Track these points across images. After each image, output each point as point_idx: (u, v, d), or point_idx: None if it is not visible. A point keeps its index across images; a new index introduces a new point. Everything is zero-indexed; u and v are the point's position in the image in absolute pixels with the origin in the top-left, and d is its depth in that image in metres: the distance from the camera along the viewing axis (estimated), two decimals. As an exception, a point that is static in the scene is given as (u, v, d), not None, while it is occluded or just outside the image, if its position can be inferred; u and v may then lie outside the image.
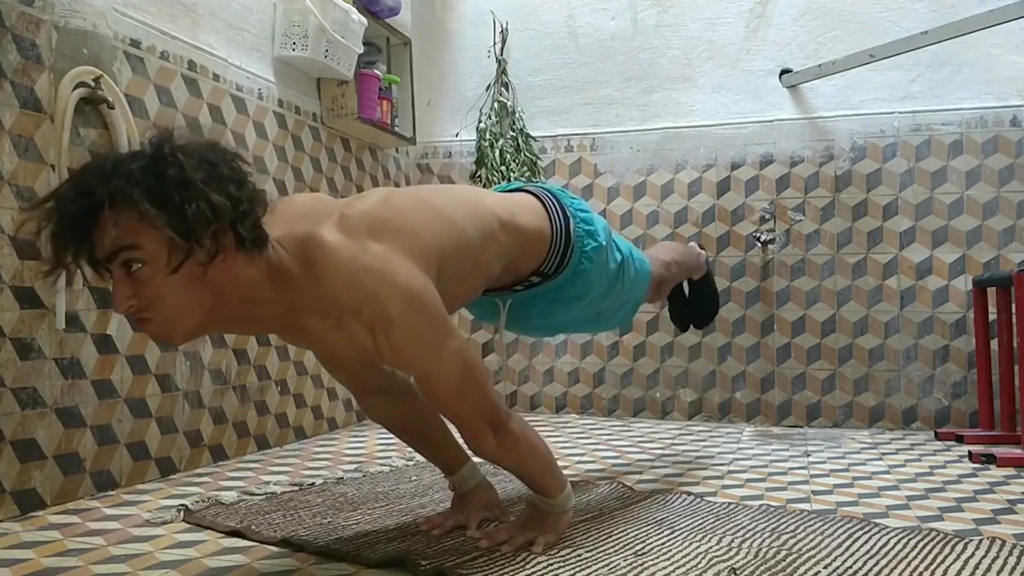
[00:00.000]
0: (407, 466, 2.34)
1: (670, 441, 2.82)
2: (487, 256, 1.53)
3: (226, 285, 1.20)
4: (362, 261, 1.24)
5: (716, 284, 2.56)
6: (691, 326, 2.55)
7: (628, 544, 1.53)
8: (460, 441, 1.74)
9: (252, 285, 1.22)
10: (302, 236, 1.26)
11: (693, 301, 2.51)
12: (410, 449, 2.61)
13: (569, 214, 1.70)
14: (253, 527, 1.66)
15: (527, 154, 3.45)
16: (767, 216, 3.29)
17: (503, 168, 3.38)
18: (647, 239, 3.42)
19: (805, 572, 1.36)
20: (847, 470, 2.31)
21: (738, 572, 1.35)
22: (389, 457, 2.48)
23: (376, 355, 1.31)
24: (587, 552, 1.47)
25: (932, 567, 1.39)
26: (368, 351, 1.29)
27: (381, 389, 1.67)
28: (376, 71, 3.13)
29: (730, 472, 2.28)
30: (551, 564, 1.41)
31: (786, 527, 1.64)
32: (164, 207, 1.10)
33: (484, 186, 3.31)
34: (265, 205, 1.22)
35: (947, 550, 1.48)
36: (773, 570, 1.37)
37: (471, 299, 1.64)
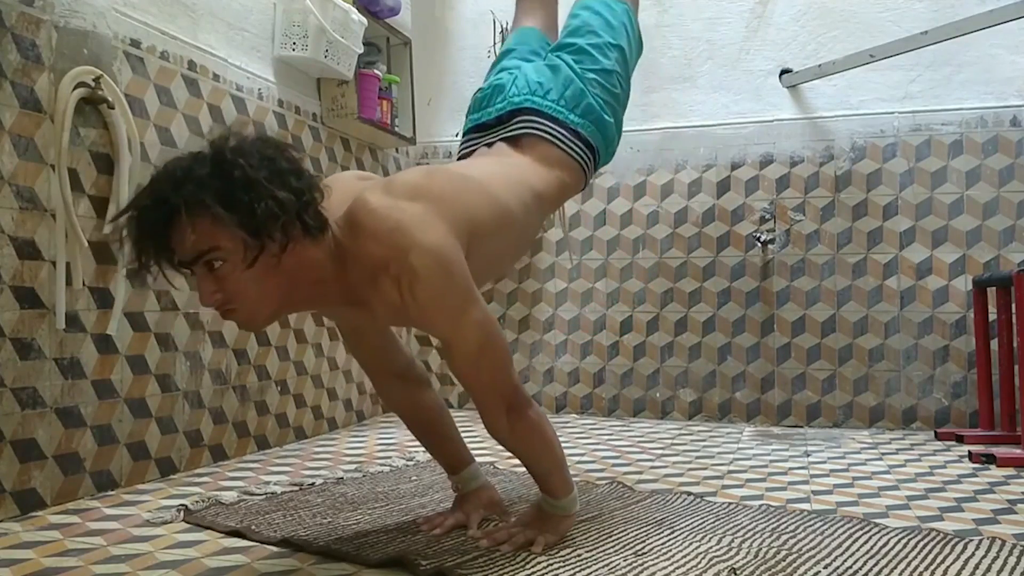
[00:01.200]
0: (407, 466, 2.34)
1: (670, 441, 2.82)
2: (528, 223, 1.62)
3: (298, 270, 1.29)
4: (396, 217, 1.30)
5: None
6: None
7: (628, 544, 1.53)
8: (468, 443, 1.75)
9: (320, 267, 1.31)
10: (349, 207, 1.34)
11: None
12: (410, 449, 2.61)
13: (575, 126, 1.73)
14: (253, 527, 1.66)
15: (527, 154, 3.45)
16: (767, 216, 3.29)
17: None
18: (647, 239, 3.42)
19: (805, 572, 1.36)
20: (847, 470, 2.31)
21: (738, 572, 1.35)
22: (389, 457, 2.48)
23: (404, 313, 1.35)
24: (587, 552, 1.47)
25: (932, 567, 1.39)
26: (398, 309, 1.34)
27: (399, 375, 1.69)
28: (376, 71, 3.13)
29: (730, 472, 2.28)
30: (551, 564, 1.41)
31: (786, 527, 1.64)
32: (235, 209, 1.18)
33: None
34: (322, 191, 1.29)
35: (947, 550, 1.48)
36: (773, 570, 1.37)
37: (510, 265, 1.72)
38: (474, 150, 1.79)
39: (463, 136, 1.86)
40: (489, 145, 1.76)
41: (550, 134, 1.73)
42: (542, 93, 1.77)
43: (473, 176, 1.51)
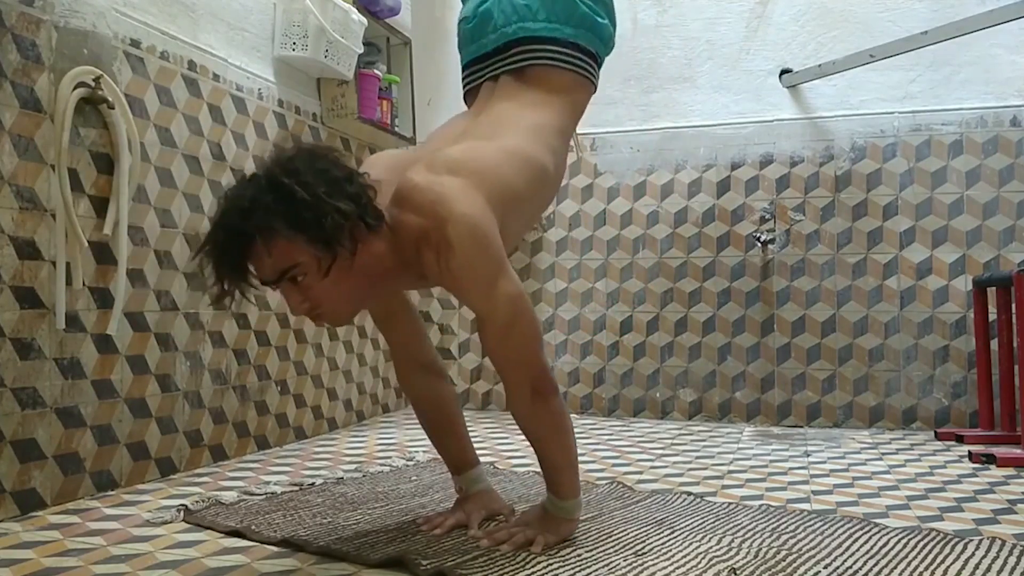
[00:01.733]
0: (407, 466, 2.34)
1: (670, 441, 2.82)
2: (560, 165, 1.67)
3: (370, 264, 1.39)
4: (436, 190, 1.39)
5: None
6: None
7: (628, 544, 1.53)
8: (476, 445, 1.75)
9: (384, 256, 1.41)
10: (396, 189, 1.44)
11: None
12: (410, 449, 2.61)
13: (574, 41, 1.72)
14: (253, 527, 1.66)
15: (527, 154, 3.45)
16: (767, 216, 3.29)
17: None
18: (647, 239, 3.42)
19: (805, 572, 1.36)
20: (847, 470, 2.31)
21: (738, 572, 1.35)
22: (389, 457, 2.48)
23: (442, 281, 1.45)
24: (587, 552, 1.47)
25: (932, 567, 1.39)
26: (437, 278, 1.44)
27: (424, 366, 1.72)
28: (376, 71, 3.13)
29: (730, 472, 2.28)
30: (551, 564, 1.41)
31: (786, 527, 1.64)
32: (304, 227, 1.29)
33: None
34: (375, 188, 1.38)
35: (947, 550, 1.48)
36: (773, 570, 1.37)
37: (548, 205, 1.82)
38: (478, 85, 1.77)
39: (462, 70, 1.83)
40: (494, 79, 1.73)
41: (551, 59, 1.71)
42: (531, 16, 1.73)
43: (509, 146, 1.54)
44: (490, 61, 1.76)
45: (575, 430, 1.57)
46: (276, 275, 1.33)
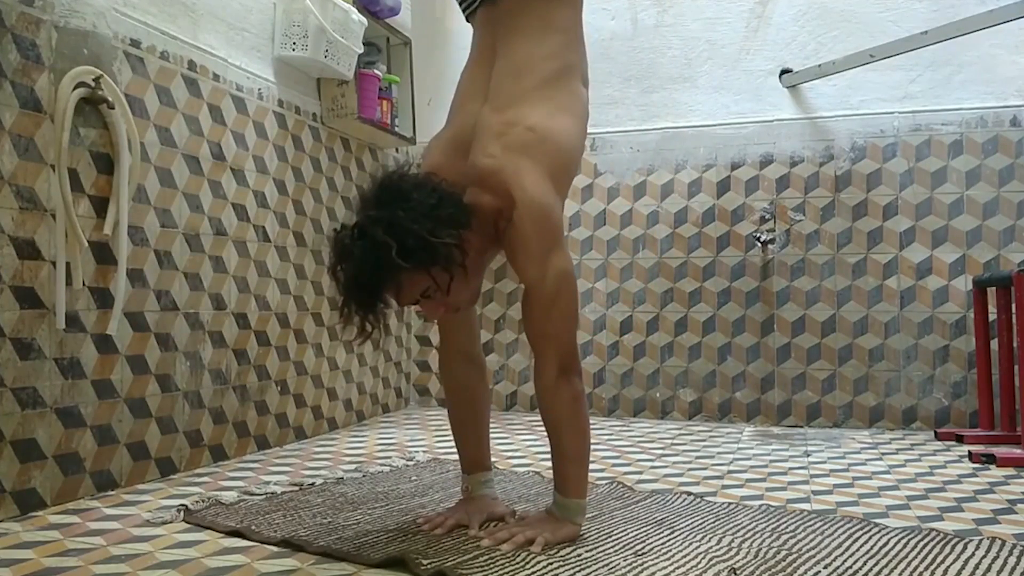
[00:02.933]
0: (407, 466, 2.34)
1: (670, 441, 2.82)
2: (587, 76, 1.78)
3: (476, 260, 1.54)
4: (510, 170, 1.54)
5: None
6: None
7: (628, 544, 1.53)
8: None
9: (482, 247, 1.58)
10: (472, 169, 1.59)
11: None
12: (410, 449, 2.61)
13: None
14: (253, 527, 1.66)
15: (527, 154, 3.45)
16: (767, 216, 3.29)
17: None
18: (647, 239, 3.42)
19: (805, 572, 1.36)
20: (847, 470, 2.31)
21: (738, 572, 1.35)
22: (389, 457, 2.48)
23: (506, 249, 1.59)
24: (587, 552, 1.47)
25: (932, 567, 1.39)
26: (505, 246, 1.59)
27: (467, 357, 1.77)
28: (376, 71, 3.13)
29: (730, 472, 2.28)
30: (551, 564, 1.41)
31: (786, 527, 1.64)
32: (423, 263, 1.45)
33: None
34: (457, 191, 1.54)
35: (947, 550, 1.48)
36: (773, 570, 1.37)
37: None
38: (476, 8, 1.77)
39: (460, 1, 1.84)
40: (493, 3, 1.73)
41: None
42: None
43: (560, 104, 1.64)
44: None
45: (590, 427, 1.59)
46: (412, 301, 1.53)
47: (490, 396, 1.87)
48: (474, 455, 1.76)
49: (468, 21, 1.84)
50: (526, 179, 1.53)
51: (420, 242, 1.44)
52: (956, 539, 1.55)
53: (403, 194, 1.48)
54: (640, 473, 2.27)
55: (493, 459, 2.40)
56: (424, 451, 2.56)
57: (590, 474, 2.22)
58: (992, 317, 2.83)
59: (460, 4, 1.84)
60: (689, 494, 1.96)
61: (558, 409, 1.55)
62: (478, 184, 1.58)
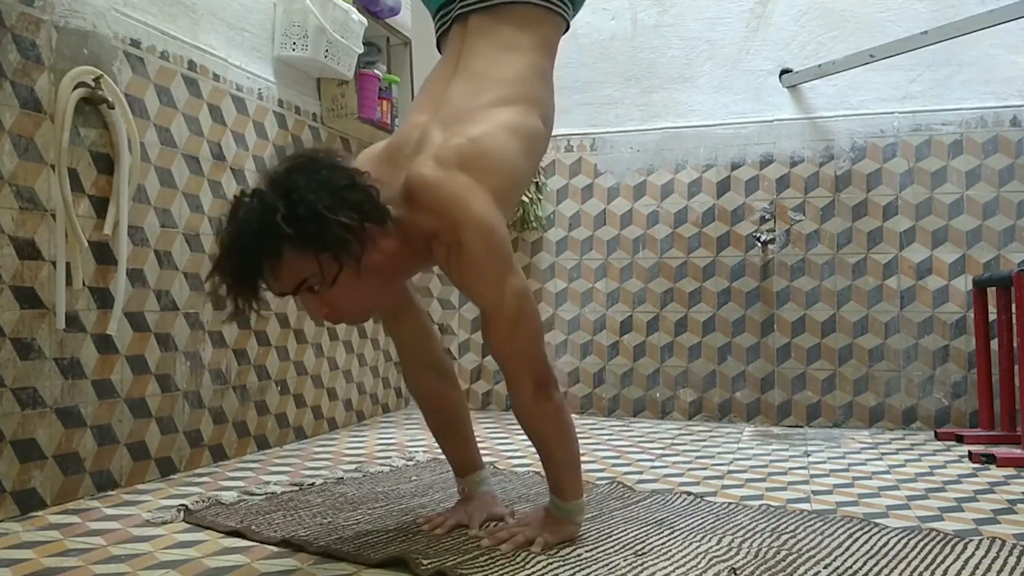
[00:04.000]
0: (407, 466, 2.34)
1: (670, 441, 2.82)
2: (548, 116, 1.68)
3: (382, 263, 1.41)
4: (448, 187, 1.42)
5: None
6: None
7: (628, 544, 1.53)
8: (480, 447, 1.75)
9: (395, 253, 1.44)
10: (403, 181, 1.46)
11: None
12: (410, 449, 2.61)
13: None
14: (253, 527, 1.66)
15: (527, 154, 3.45)
16: (767, 216, 3.29)
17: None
18: (647, 239, 3.42)
19: (805, 572, 1.36)
20: (847, 470, 2.31)
21: (738, 572, 1.35)
22: (389, 457, 2.48)
23: (451, 277, 1.49)
24: (587, 552, 1.47)
25: (932, 567, 1.39)
26: (446, 271, 1.49)
27: (431, 366, 1.72)
28: (376, 71, 3.13)
29: (730, 472, 2.28)
30: (551, 564, 1.41)
31: (786, 527, 1.64)
32: (310, 244, 1.32)
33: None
34: (377, 187, 1.40)
35: (947, 550, 1.48)
36: (773, 570, 1.37)
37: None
38: (449, 28, 1.72)
39: (434, 18, 1.79)
40: (465, 17, 1.68)
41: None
42: None
43: (506, 122, 1.54)
44: (458, 1, 1.72)
45: (575, 430, 1.57)
46: (290, 288, 1.38)
47: (463, 397, 1.81)
48: (462, 458, 1.75)
49: (439, 47, 1.79)
50: (472, 198, 1.42)
51: (312, 214, 1.31)
52: (956, 539, 1.55)
53: (313, 166, 1.37)
54: (640, 473, 2.27)
55: (493, 459, 2.41)
56: (424, 451, 2.56)
57: (590, 474, 2.23)
58: (992, 317, 2.83)
59: (436, 27, 1.79)
60: (689, 494, 1.96)
61: (542, 425, 1.52)
62: (407, 197, 1.45)
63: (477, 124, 1.52)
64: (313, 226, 1.31)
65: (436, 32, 1.79)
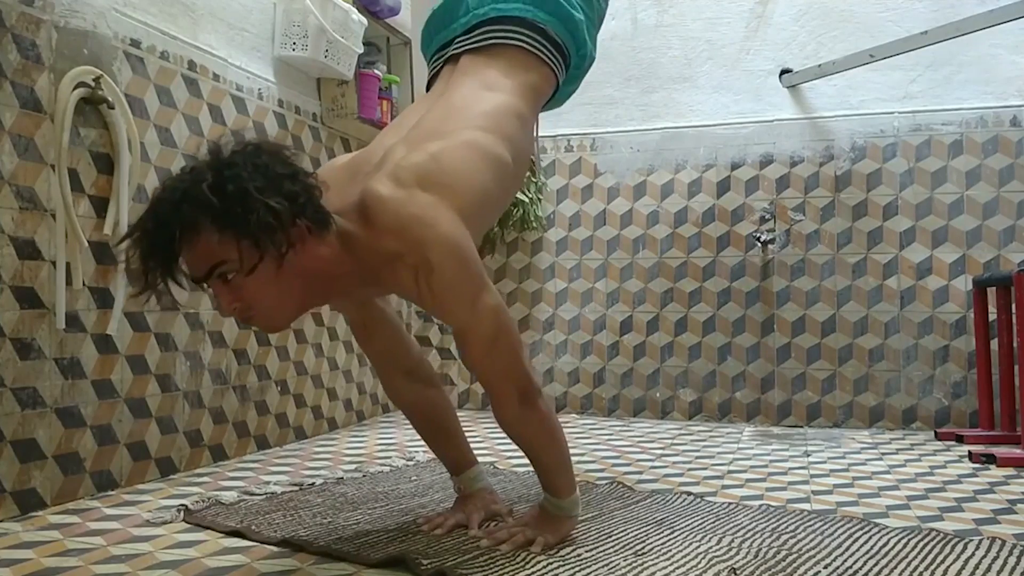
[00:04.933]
0: (407, 466, 2.34)
1: (670, 441, 2.82)
2: (520, 157, 1.62)
3: (308, 269, 1.33)
4: (409, 209, 1.35)
5: None
6: None
7: (628, 544, 1.53)
8: (472, 443, 1.74)
9: (329, 262, 1.36)
10: (358, 196, 1.38)
11: None
12: (410, 449, 2.61)
13: (542, 25, 1.70)
14: (253, 527, 1.66)
15: (527, 154, 3.45)
16: (767, 216, 3.29)
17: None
18: (647, 239, 3.42)
19: (805, 572, 1.36)
20: (847, 470, 2.31)
21: (738, 572, 1.35)
22: (389, 457, 2.48)
23: (421, 301, 1.42)
24: (587, 552, 1.47)
25: (932, 567, 1.39)
26: (414, 296, 1.41)
27: (408, 372, 1.70)
28: (376, 71, 3.14)
29: (730, 472, 2.28)
30: (551, 564, 1.40)
31: (786, 527, 1.64)
32: (229, 224, 1.23)
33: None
34: (321, 189, 1.33)
35: (947, 550, 1.48)
36: (773, 570, 1.37)
37: (512, 198, 1.76)
38: (441, 69, 1.74)
39: (430, 58, 1.81)
40: (456, 59, 1.70)
41: (514, 37, 1.69)
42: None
43: (469, 140, 1.49)
44: (454, 43, 1.74)
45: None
46: (204, 271, 1.28)
47: (446, 399, 1.78)
48: (454, 457, 1.75)
49: (428, 88, 1.79)
50: (437, 217, 1.35)
51: (240, 192, 1.23)
52: (956, 539, 1.55)
53: (257, 151, 1.30)
54: (640, 473, 2.27)
55: (493, 459, 2.41)
56: (424, 451, 2.56)
57: (590, 474, 2.23)
58: (992, 317, 2.83)
59: (430, 68, 1.81)
60: (689, 494, 1.96)
61: (531, 436, 1.51)
62: (361, 213, 1.37)
63: (439, 141, 1.48)
64: (238, 204, 1.23)
65: (429, 74, 1.80)
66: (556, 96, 1.85)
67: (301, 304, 1.38)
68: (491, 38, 1.71)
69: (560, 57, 1.75)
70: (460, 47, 1.72)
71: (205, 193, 1.22)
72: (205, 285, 1.31)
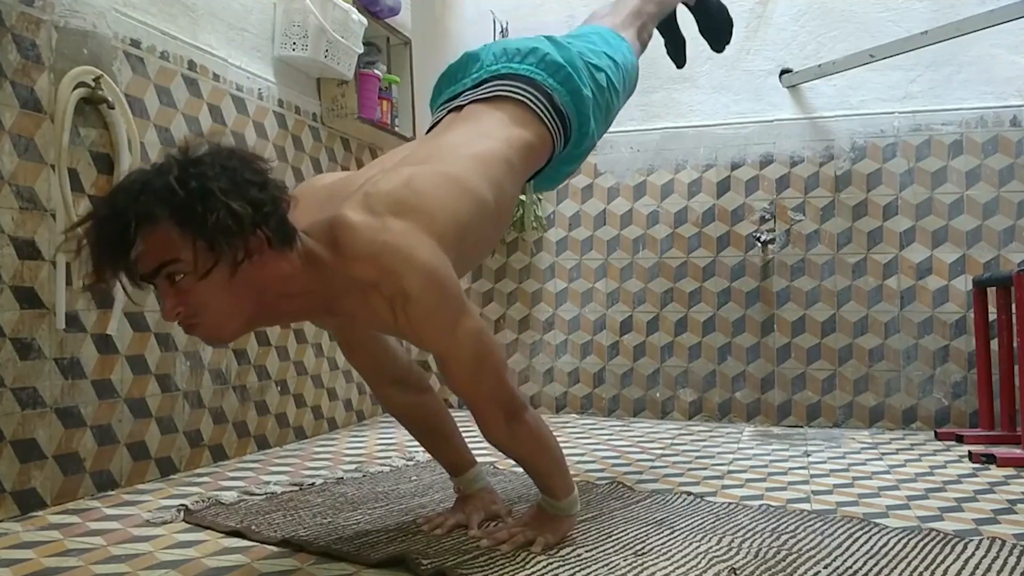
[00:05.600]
0: (407, 466, 2.34)
1: (670, 441, 2.82)
2: (506, 201, 1.58)
3: (264, 283, 1.27)
4: (383, 237, 1.29)
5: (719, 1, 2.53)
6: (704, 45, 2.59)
7: (628, 544, 1.53)
8: (470, 443, 1.74)
9: (288, 279, 1.30)
10: (328, 220, 1.33)
11: (704, 27, 2.54)
12: (419, 444, 2.61)
13: (550, 91, 1.70)
14: (253, 527, 1.66)
15: (527, 154, 3.45)
16: (767, 216, 3.29)
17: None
18: (647, 239, 3.42)
19: (805, 572, 1.36)
20: (847, 470, 2.31)
21: (738, 572, 1.35)
22: (389, 457, 2.48)
23: (397, 331, 1.37)
24: (587, 552, 1.47)
25: (932, 567, 1.39)
26: (390, 327, 1.36)
27: (397, 381, 1.68)
28: (376, 71, 3.13)
29: (730, 472, 2.28)
30: (551, 564, 1.41)
31: (786, 527, 1.64)
32: (187, 221, 1.17)
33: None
34: (289, 201, 1.28)
35: (947, 550, 1.48)
36: (773, 570, 1.37)
37: (493, 246, 1.67)
38: (443, 118, 1.75)
39: (436, 108, 1.82)
40: (459, 108, 1.72)
41: (521, 94, 1.69)
42: (519, 59, 1.74)
43: (448, 171, 1.46)
44: (461, 95, 1.76)
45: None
46: (152, 268, 1.21)
47: (438, 400, 1.77)
48: (452, 461, 1.75)
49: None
50: (413, 245, 1.30)
51: (203, 190, 1.17)
52: (956, 539, 1.55)
53: (230, 155, 1.24)
54: (640, 473, 2.27)
55: (493, 459, 2.41)
56: (424, 451, 2.56)
57: (590, 474, 2.23)
58: (992, 317, 2.83)
59: (434, 115, 1.82)
60: (689, 494, 1.96)
61: (522, 450, 1.50)
62: (330, 238, 1.31)
63: (414, 167, 1.45)
64: (199, 202, 1.17)
65: (431, 122, 1.80)
66: (549, 170, 1.82)
67: (249, 319, 1.31)
68: (497, 90, 1.72)
69: (562, 126, 1.73)
70: (466, 99, 1.73)
71: (168, 185, 1.17)
72: (152, 284, 1.24)
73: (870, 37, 3.15)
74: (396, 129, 3.32)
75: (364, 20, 2.95)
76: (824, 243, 3.22)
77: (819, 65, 3.18)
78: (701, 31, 2.55)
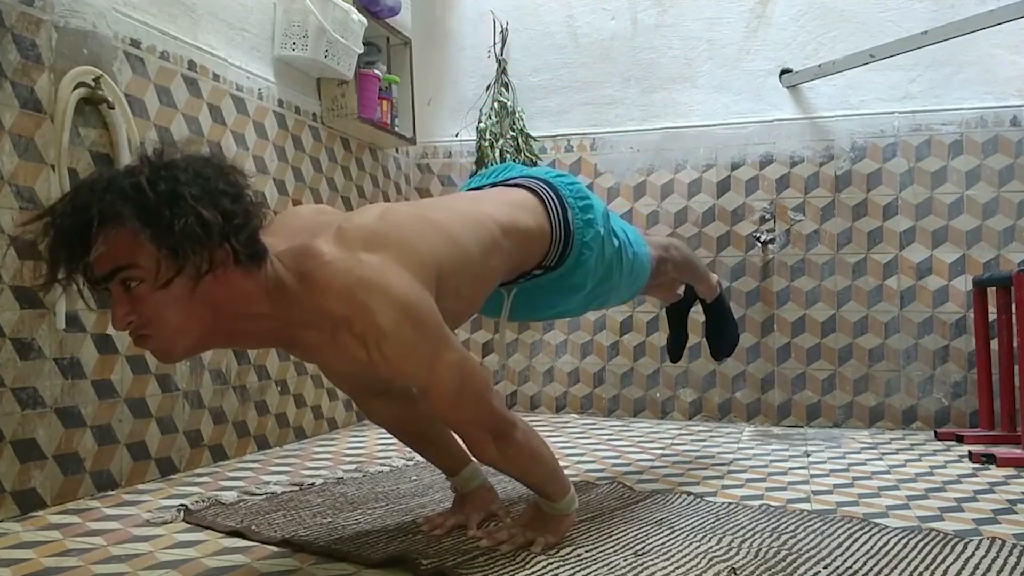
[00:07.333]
0: (407, 466, 2.34)
1: (670, 441, 2.82)
2: (491, 267, 1.53)
3: (224, 300, 1.20)
4: (355, 272, 1.23)
5: (732, 314, 2.51)
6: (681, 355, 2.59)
7: (628, 544, 1.53)
8: (461, 443, 1.74)
9: (250, 300, 1.23)
10: (299, 249, 1.27)
11: (711, 331, 2.50)
12: (410, 449, 2.61)
13: (567, 204, 1.70)
14: (253, 527, 1.66)
15: (527, 154, 3.46)
16: (767, 216, 3.29)
17: (503, 168, 3.39)
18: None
19: (805, 572, 1.36)
20: (847, 470, 2.31)
21: (738, 572, 1.35)
22: (389, 457, 2.48)
23: (371, 368, 1.29)
24: (587, 552, 1.47)
25: (932, 567, 1.39)
26: (363, 364, 1.28)
27: (381, 393, 1.67)
28: (376, 71, 3.14)
29: (730, 472, 2.28)
30: (551, 564, 1.41)
31: (786, 527, 1.64)
32: (153, 224, 1.10)
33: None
34: (262, 218, 1.22)
35: (947, 550, 1.48)
36: (773, 570, 1.37)
37: (474, 312, 1.64)
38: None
39: None
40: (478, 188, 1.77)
41: (538, 188, 1.70)
42: (555, 175, 1.77)
43: (428, 216, 1.43)
44: (485, 186, 1.79)
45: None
46: (107, 271, 1.13)
47: (426, 408, 1.73)
48: (447, 462, 1.74)
49: None
50: (388, 279, 1.24)
51: (172, 194, 1.10)
52: (956, 539, 1.55)
53: (207, 164, 1.18)
54: (640, 473, 2.27)
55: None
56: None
57: (590, 474, 2.23)
58: (992, 317, 2.83)
59: None
60: (689, 494, 1.97)
61: (514, 468, 1.49)
62: (298, 268, 1.25)
63: (395, 204, 1.43)
64: (167, 206, 1.10)
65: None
66: (532, 285, 1.74)
67: (204, 337, 1.22)
68: (516, 180, 1.74)
69: (563, 237, 1.69)
70: (485, 186, 1.78)
71: (136, 184, 1.11)
72: (107, 289, 1.16)
73: (870, 37, 3.15)
74: (396, 129, 3.33)
75: (364, 20, 2.96)
76: (824, 243, 3.22)
77: (819, 65, 3.18)
78: (706, 332, 2.53)
